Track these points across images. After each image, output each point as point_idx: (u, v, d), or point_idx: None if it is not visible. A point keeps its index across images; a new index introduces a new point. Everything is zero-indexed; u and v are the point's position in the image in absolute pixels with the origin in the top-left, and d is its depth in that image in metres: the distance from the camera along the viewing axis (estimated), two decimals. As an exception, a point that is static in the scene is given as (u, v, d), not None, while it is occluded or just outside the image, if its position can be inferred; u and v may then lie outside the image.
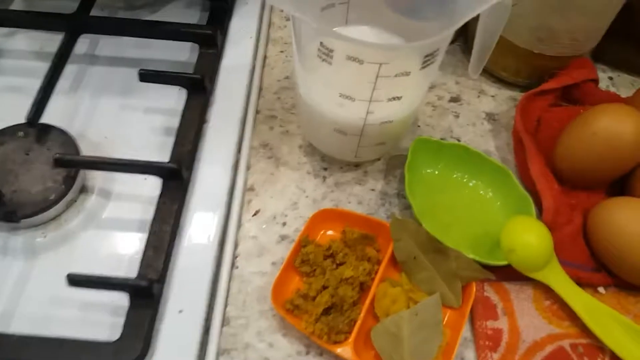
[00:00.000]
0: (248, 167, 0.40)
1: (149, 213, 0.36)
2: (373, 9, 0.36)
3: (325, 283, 0.33)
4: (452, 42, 0.48)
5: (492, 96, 0.45)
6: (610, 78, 0.46)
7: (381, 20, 0.37)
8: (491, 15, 0.29)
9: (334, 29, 0.37)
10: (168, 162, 0.38)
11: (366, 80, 0.30)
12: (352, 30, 0.37)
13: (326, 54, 0.29)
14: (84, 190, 0.39)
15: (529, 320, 0.33)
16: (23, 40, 0.47)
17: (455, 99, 0.44)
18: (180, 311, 0.33)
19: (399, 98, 0.32)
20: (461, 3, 0.29)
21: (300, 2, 0.32)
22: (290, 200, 0.38)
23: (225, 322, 0.33)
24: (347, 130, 0.34)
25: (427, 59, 0.29)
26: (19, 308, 0.33)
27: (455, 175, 0.39)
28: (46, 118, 0.40)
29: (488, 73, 0.46)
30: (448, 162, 0.38)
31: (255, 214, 0.37)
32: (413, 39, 0.36)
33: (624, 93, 0.43)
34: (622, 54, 0.46)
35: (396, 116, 0.34)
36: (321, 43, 0.28)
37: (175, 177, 0.37)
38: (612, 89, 0.46)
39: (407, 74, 0.29)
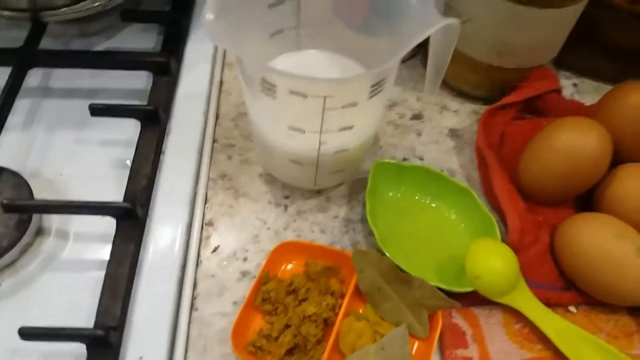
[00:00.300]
0: (206, 201, 0.38)
1: (107, 254, 0.35)
2: (324, 31, 0.35)
3: (288, 322, 0.32)
4: (412, 56, 0.47)
5: (455, 111, 0.44)
6: (575, 85, 0.46)
7: (334, 41, 0.36)
8: (441, 36, 0.28)
9: (282, 55, 0.36)
10: (121, 202, 0.36)
11: (313, 114, 0.29)
12: (303, 55, 0.36)
13: (269, 88, 0.28)
14: (40, 232, 0.38)
15: (500, 346, 0.32)
16: (-31, 76, 0.46)
17: (417, 116, 0.43)
18: (140, 358, 0.32)
19: (350, 127, 0.31)
20: (409, 24, 0.29)
21: (246, 31, 0.31)
22: (251, 234, 0.37)
23: (186, 368, 0.32)
24: (302, 160, 0.33)
25: (374, 88, 0.28)
26: (-25, 363, 0.32)
27: (417, 197, 0.38)
28: (-3, 158, 0.38)
29: (450, 87, 0.45)
30: (410, 185, 0.37)
31: (214, 251, 0.36)
32: (366, 60, 0.35)
33: (589, 99, 0.42)
34: (585, 61, 0.45)
35: (351, 144, 0.33)
36: (263, 78, 0.27)
37: (130, 216, 0.36)
38: (577, 96, 0.45)
39: (355, 104, 0.28)
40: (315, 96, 0.27)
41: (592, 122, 0.34)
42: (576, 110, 0.40)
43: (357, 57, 0.36)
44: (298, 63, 0.35)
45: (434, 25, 0.26)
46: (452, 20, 0.27)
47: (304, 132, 0.31)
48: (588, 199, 0.37)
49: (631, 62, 0.43)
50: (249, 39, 0.32)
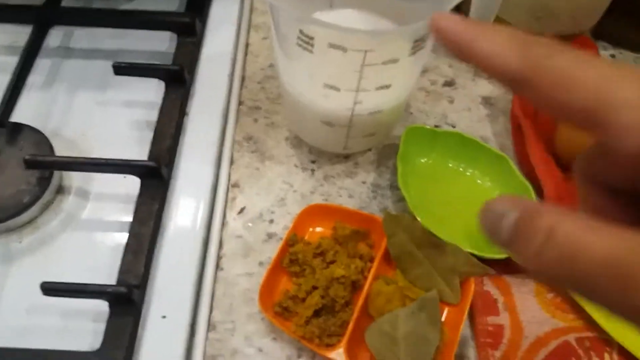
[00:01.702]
0: (231, 162, 0.38)
1: (130, 213, 0.34)
2: (358, -11, 0.34)
3: (315, 283, 0.31)
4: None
5: (488, 79, 0.42)
6: (612, 56, 0.44)
7: (369, 2, 0.35)
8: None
9: (315, 14, 0.34)
10: (146, 160, 0.35)
11: (351, 69, 0.27)
12: (337, 15, 0.34)
13: (306, 42, 0.26)
14: (60, 190, 0.37)
15: (532, 314, 0.31)
16: (-9, 34, 0.45)
17: (449, 83, 0.42)
18: (164, 317, 0.31)
19: (387, 87, 0.29)
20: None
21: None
22: (277, 196, 0.36)
23: (211, 327, 0.31)
24: (334, 121, 0.32)
25: (417, 44, 0.27)
26: (-5, 319, 0.31)
27: (450, 165, 0.37)
28: (17, 116, 0.38)
29: (483, 54, 0.43)
30: (443, 151, 0.36)
31: (240, 212, 0.35)
32: (403, 22, 0.34)
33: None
34: (623, 31, 0.43)
35: (386, 105, 0.31)
36: (300, 31, 0.26)
37: (154, 175, 0.35)
38: (614, 69, 0.43)
39: (396, 61, 0.27)
40: (356, 50, 0.26)
41: None
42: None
43: (394, 19, 0.34)
44: (332, 21, 0.34)
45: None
46: None
47: (340, 90, 0.30)
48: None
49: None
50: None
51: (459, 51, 0.16)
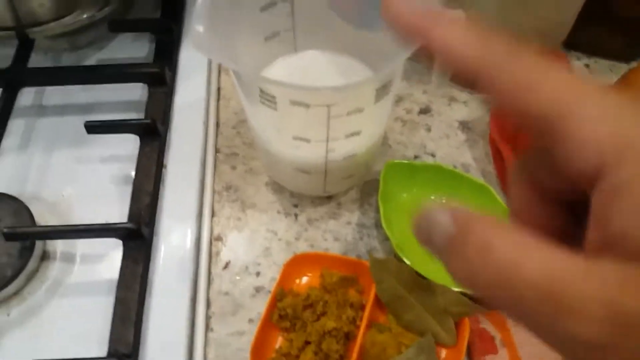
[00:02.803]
0: (213, 214, 0.37)
1: (116, 274, 0.34)
2: (322, 30, 0.33)
3: (307, 338, 0.31)
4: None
5: (464, 102, 0.42)
6: (587, 65, 0.44)
7: (333, 40, 0.34)
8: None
9: (278, 60, 0.34)
10: (126, 222, 0.35)
11: (317, 122, 0.27)
12: (301, 58, 0.34)
13: (269, 100, 0.26)
14: (45, 257, 0.37)
15: (530, 348, 0.31)
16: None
17: (424, 110, 0.41)
18: (158, 385, 0.31)
19: (358, 133, 0.29)
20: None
21: (239, 38, 0.29)
22: (262, 246, 0.35)
23: (205, 392, 0.31)
24: (309, 169, 0.32)
25: (381, 92, 0.26)
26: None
27: (433, 197, 0.36)
28: (-6, 183, 0.37)
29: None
30: (423, 185, 0.36)
31: (225, 267, 0.35)
32: (368, 56, 0.33)
33: (602, 79, 0.40)
34: (597, 40, 0.43)
35: (359, 149, 0.31)
36: (261, 89, 0.26)
37: (136, 237, 0.35)
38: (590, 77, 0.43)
39: (361, 110, 0.27)
40: (318, 105, 0.26)
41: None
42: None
43: (358, 54, 0.34)
44: (297, 66, 0.34)
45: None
46: (457, 12, 0.25)
47: (310, 141, 0.29)
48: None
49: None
50: (243, 45, 0.30)
51: (413, 36, 0.15)
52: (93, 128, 0.39)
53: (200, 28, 0.24)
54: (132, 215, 0.36)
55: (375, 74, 0.25)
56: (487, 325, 0.32)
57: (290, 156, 0.31)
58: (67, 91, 0.44)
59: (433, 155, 0.39)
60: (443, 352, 0.31)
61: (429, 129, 0.40)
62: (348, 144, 0.30)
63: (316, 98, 0.25)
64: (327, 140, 0.29)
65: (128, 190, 0.37)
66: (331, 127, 0.27)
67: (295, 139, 0.29)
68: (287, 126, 0.29)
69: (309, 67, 0.34)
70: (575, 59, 0.44)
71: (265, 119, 0.30)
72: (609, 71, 0.43)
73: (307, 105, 0.26)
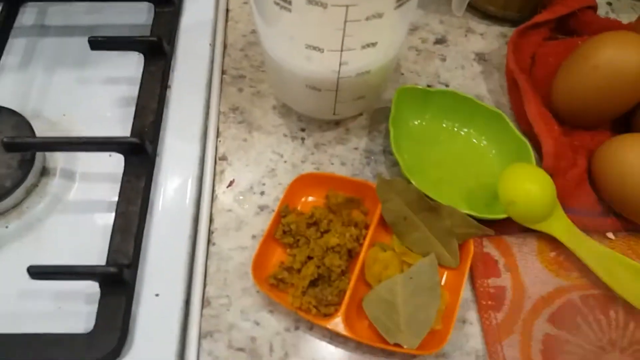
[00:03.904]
0: (218, 135, 0.36)
1: (116, 195, 0.33)
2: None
3: (310, 253, 0.30)
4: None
5: (481, 34, 0.41)
6: (609, 3, 0.42)
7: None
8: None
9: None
10: (129, 137, 0.34)
11: (333, 27, 0.26)
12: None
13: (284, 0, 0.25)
14: (45, 173, 0.36)
15: (534, 274, 0.31)
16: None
17: (440, 41, 0.40)
18: (157, 295, 0.31)
19: (374, 44, 0.28)
20: None
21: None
22: (267, 167, 0.35)
23: (205, 303, 0.30)
24: (321, 85, 0.31)
25: (403, -5, 0.25)
26: (-15, 306, 0.31)
27: (445, 125, 0.35)
28: (-5, 99, 0.36)
29: (474, 9, 0.41)
30: (436, 111, 0.35)
31: (229, 185, 0.34)
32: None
33: (625, 19, 0.39)
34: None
35: (373, 65, 0.30)
36: (276, -13, 0.24)
37: (139, 152, 0.34)
38: (612, 15, 0.42)
39: (380, 15, 0.25)
40: (336, 5, 0.25)
41: (637, 36, 0.31)
42: (614, 28, 0.36)
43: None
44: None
45: None
46: None
47: (323, 50, 0.28)
48: (626, 122, 0.34)
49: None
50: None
51: None
52: (97, 44, 0.38)
53: None
54: (135, 131, 0.35)
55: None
56: (491, 250, 0.31)
57: (301, 70, 0.30)
58: (70, 11, 0.43)
59: (447, 85, 0.38)
60: (445, 273, 0.31)
61: (443, 59, 0.39)
62: (362, 57, 0.29)
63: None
64: (342, 50, 0.28)
65: (131, 112, 0.36)
66: (347, 34, 0.26)
67: (308, 48, 0.28)
68: (301, 32, 0.28)
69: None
70: (601, -5, 0.42)
71: (278, 26, 0.28)
72: (631, 9, 0.42)
73: (324, 5, 0.24)
